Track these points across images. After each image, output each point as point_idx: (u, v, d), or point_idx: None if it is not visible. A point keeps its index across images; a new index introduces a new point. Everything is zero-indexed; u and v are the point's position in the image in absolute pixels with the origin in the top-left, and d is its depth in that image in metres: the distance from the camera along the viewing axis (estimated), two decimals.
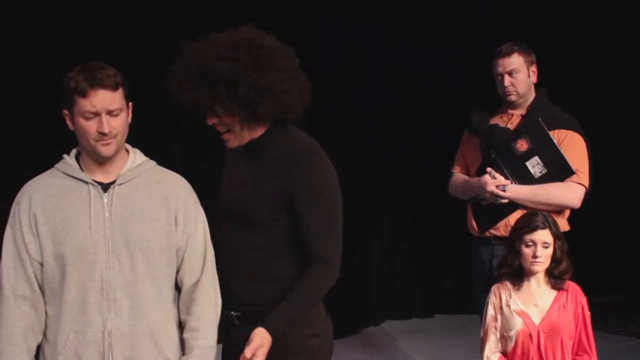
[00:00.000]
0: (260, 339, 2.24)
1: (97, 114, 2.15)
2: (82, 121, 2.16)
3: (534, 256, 2.97)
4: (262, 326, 2.25)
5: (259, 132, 2.37)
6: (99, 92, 2.14)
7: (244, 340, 2.35)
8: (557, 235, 2.99)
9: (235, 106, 2.27)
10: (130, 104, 2.26)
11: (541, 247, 2.97)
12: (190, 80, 2.29)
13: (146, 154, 2.36)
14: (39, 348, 2.24)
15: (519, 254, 3.01)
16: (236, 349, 2.37)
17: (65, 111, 2.21)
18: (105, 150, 2.19)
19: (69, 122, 2.22)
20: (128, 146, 2.31)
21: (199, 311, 2.28)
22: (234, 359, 2.38)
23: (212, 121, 2.36)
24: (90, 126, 2.16)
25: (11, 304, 2.18)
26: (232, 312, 2.40)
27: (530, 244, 2.99)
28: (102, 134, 2.15)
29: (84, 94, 2.13)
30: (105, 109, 2.15)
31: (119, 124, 2.19)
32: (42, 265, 2.20)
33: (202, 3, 4.89)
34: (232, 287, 2.38)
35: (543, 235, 2.98)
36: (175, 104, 2.35)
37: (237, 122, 2.32)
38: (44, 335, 2.23)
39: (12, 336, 2.17)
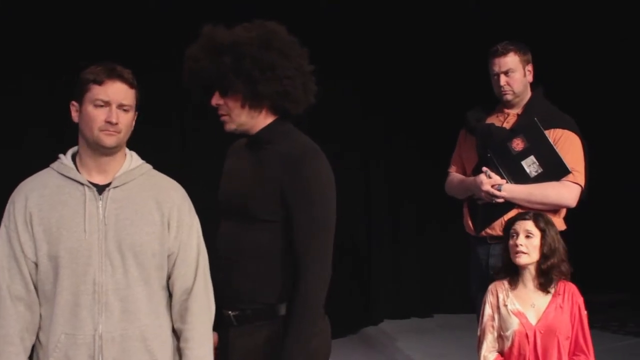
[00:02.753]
0: None
1: (108, 104, 2.17)
2: (91, 109, 2.18)
3: (515, 245, 2.98)
4: None
5: (259, 122, 2.38)
6: (116, 83, 2.18)
7: (241, 339, 2.36)
8: (543, 229, 2.98)
9: (237, 80, 2.28)
10: (136, 112, 2.28)
11: (523, 236, 2.97)
12: (199, 50, 2.33)
13: (148, 153, 2.37)
14: (32, 349, 2.23)
15: (507, 250, 3.03)
16: (233, 349, 2.38)
17: (74, 102, 2.22)
18: (108, 140, 2.19)
19: (74, 114, 2.23)
20: (126, 149, 2.32)
21: (193, 320, 2.28)
22: (231, 358, 2.38)
23: (215, 101, 2.37)
24: (98, 114, 2.17)
25: (8, 304, 2.18)
26: (230, 312, 2.39)
27: (513, 234, 3.00)
28: (109, 123, 2.16)
29: (100, 82, 2.17)
30: (118, 102, 2.18)
31: (126, 119, 2.21)
32: (37, 265, 2.19)
33: (207, 3, 4.91)
34: (230, 285, 2.38)
35: (525, 225, 2.98)
36: (185, 76, 2.37)
37: (239, 101, 2.33)
38: (37, 336, 2.22)
39: (9, 336, 2.16)
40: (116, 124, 2.18)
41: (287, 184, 2.29)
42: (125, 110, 2.20)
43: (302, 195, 2.29)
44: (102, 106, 2.18)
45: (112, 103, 2.18)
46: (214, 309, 2.34)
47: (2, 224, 2.24)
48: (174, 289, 2.30)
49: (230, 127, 2.40)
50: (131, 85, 2.21)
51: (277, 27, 2.37)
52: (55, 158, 2.31)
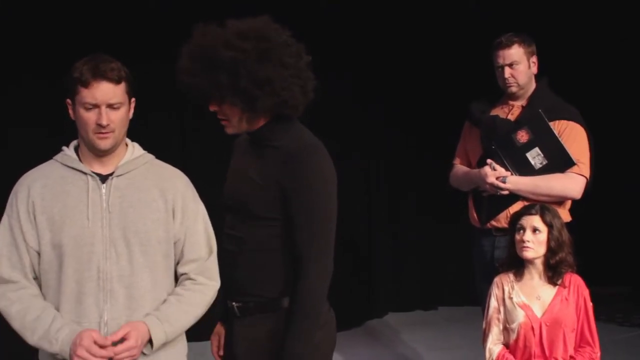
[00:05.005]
0: None
1: (97, 106, 2.16)
2: (82, 111, 2.18)
3: (522, 240, 2.97)
4: None
5: (259, 123, 2.37)
6: (101, 84, 2.15)
7: (244, 331, 2.38)
8: (550, 224, 2.97)
9: (235, 97, 2.27)
10: (132, 99, 2.26)
11: (530, 232, 2.96)
12: (194, 63, 2.29)
13: (148, 145, 2.37)
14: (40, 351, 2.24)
15: (513, 243, 3.02)
16: (237, 340, 2.40)
17: (68, 100, 2.22)
18: (102, 143, 2.19)
19: (70, 112, 2.24)
20: (127, 139, 2.32)
21: (189, 292, 2.28)
22: (234, 349, 2.40)
23: (213, 108, 2.36)
24: (90, 117, 2.17)
25: (9, 289, 2.18)
26: (234, 303, 2.40)
27: (520, 229, 2.99)
28: (100, 125, 2.16)
29: (86, 85, 2.15)
30: (106, 102, 2.16)
31: (117, 117, 2.19)
32: (39, 255, 2.20)
33: (206, 2, 4.89)
34: (233, 277, 2.39)
35: (532, 220, 2.97)
36: (178, 84, 2.35)
37: (237, 112, 2.32)
38: None
39: (23, 300, 2.16)
40: (107, 124, 2.17)
41: (286, 183, 2.28)
42: (115, 109, 2.19)
43: (302, 195, 2.28)
44: (91, 109, 2.17)
45: (100, 105, 2.16)
46: (212, 296, 2.34)
47: (5, 214, 2.25)
48: (188, 273, 2.30)
49: (232, 131, 2.40)
50: (117, 82, 2.18)
51: (271, 31, 2.32)
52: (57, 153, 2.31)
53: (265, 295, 2.35)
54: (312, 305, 2.29)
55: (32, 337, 2.14)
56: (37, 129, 4.84)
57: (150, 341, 2.18)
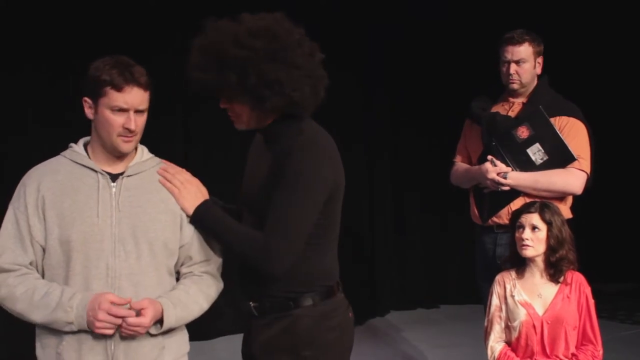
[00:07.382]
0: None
1: (126, 110, 2.18)
2: (108, 114, 2.19)
3: (521, 238, 2.96)
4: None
5: (268, 121, 2.36)
6: (134, 90, 2.18)
7: (261, 330, 2.37)
8: (549, 221, 2.96)
9: (244, 96, 2.26)
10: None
11: (529, 230, 2.96)
12: (204, 59, 2.27)
13: (150, 146, 2.39)
14: (39, 337, 2.23)
15: (515, 240, 3.02)
16: (254, 339, 2.40)
17: (87, 98, 2.22)
18: (126, 147, 2.23)
19: (88, 110, 2.23)
20: None
21: (193, 290, 2.30)
22: (252, 349, 2.40)
23: (223, 105, 2.35)
24: (117, 120, 2.19)
25: (10, 276, 2.18)
26: (251, 303, 2.40)
27: (519, 227, 2.99)
28: (127, 129, 2.18)
29: (119, 89, 2.16)
30: (135, 107, 2.19)
31: (142, 122, 2.23)
32: (44, 250, 2.20)
33: None
34: (250, 277, 2.38)
35: (531, 218, 2.97)
36: (187, 78, 2.33)
37: (246, 110, 2.31)
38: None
39: (27, 282, 2.16)
40: (135, 129, 2.20)
41: (275, 174, 2.27)
42: (141, 113, 2.22)
43: (285, 184, 2.24)
44: (119, 112, 2.18)
45: (130, 109, 2.19)
46: (216, 293, 2.36)
47: (10, 206, 2.24)
48: (193, 269, 2.32)
49: (240, 127, 2.39)
50: (147, 88, 2.22)
51: (282, 30, 2.28)
52: (63, 148, 2.31)
53: (280, 294, 2.34)
54: (244, 246, 2.28)
55: (44, 313, 2.13)
56: (36, 128, 4.83)
57: (159, 321, 2.19)
